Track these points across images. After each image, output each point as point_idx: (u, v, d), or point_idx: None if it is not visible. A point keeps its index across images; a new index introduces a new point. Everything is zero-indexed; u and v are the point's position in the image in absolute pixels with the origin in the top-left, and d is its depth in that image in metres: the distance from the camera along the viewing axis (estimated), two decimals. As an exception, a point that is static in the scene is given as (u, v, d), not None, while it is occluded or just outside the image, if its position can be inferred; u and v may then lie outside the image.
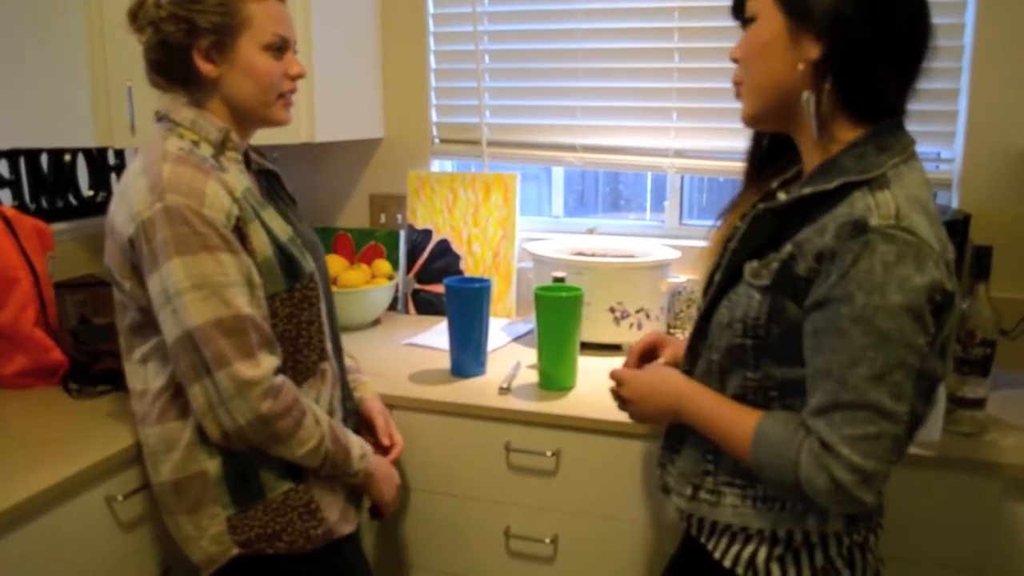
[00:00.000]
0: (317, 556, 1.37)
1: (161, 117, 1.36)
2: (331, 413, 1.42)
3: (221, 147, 1.34)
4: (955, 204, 1.96)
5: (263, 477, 1.33)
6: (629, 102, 2.22)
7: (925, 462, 1.44)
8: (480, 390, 1.75)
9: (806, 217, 1.03)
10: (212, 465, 1.32)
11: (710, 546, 1.18)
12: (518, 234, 2.29)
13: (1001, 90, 1.89)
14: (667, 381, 1.20)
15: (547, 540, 1.68)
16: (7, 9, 1.75)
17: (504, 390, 1.73)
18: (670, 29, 2.15)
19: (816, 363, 1.01)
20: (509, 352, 2.00)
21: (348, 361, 1.62)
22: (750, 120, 1.13)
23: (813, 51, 1.02)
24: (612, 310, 1.95)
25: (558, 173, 2.47)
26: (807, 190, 1.04)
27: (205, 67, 1.32)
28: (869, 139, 1.03)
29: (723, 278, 1.13)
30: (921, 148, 1.89)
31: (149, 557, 1.49)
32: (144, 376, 1.34)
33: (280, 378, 1.28)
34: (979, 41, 1.89)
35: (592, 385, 1.75)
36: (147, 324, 1.31)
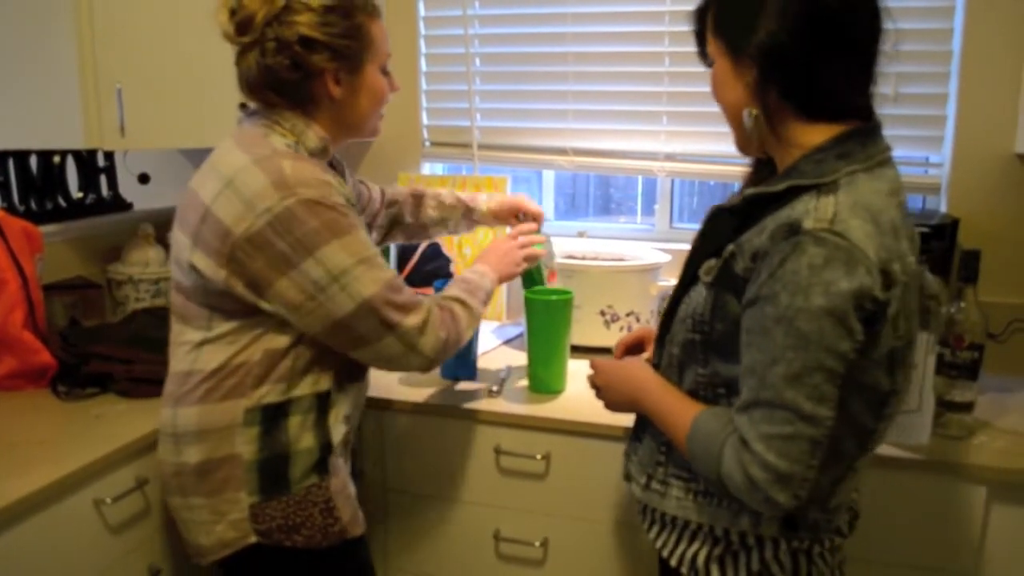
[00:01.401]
0: (331, 553, 1.37)
1: (252, 113, 1.37)
2: (348, 419, 1.41)
3: (318, 156, 1.35)
4: (943, 208, 1.97)
5: (292, 469, 1.33)
6: (620, 106, 2.23)
7: (914, 465, 1.44)
8: (470, 393, 1.75)
9: (760, 218, 1.05)
10: (248, 450, 1.32)
11: (658, 544, 1.21)
12: (509, 237, 2.28)
13: (989, 95, 1.89)
14: (633, 372, 1.24)
15: (537, 543, 1.68)
16: (-4, 10, 1.74)
17: (494, 393, 1.73)
18: (660, 33, 2.16)
19: (745, 360, 1.02)
20: (499, 355, 2.00)
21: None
22: (740, 149, 1.16)
23: (750, 73, 1.04)
24: (602, 313, 1.95)
25: (549, 176, 2.47)
26: (750, 191, 1.07)
27: (335, 90, 1.33)
28: (832, 145, 1.03)
29: (685, 275, 1.16)
30: (909, 153, 1.94)
31: (138, 560, 1.48)
32: (194, 358, 1.33)
33: (432, 310, 1.36)
34: (967, 46, 1.88)
35: (582, 388, 1.73)
36: (224, 310, 1.30)
